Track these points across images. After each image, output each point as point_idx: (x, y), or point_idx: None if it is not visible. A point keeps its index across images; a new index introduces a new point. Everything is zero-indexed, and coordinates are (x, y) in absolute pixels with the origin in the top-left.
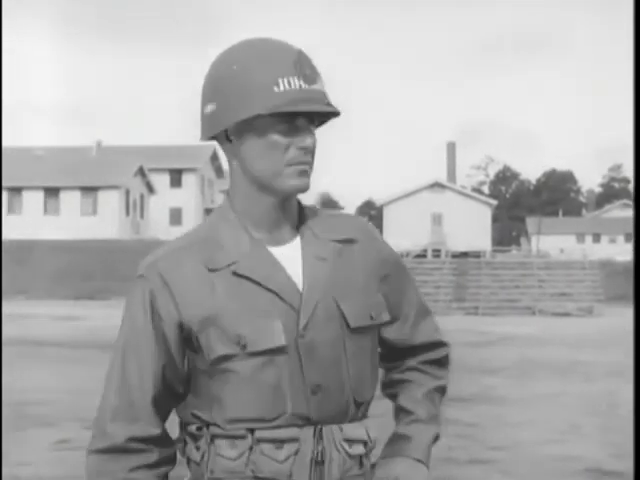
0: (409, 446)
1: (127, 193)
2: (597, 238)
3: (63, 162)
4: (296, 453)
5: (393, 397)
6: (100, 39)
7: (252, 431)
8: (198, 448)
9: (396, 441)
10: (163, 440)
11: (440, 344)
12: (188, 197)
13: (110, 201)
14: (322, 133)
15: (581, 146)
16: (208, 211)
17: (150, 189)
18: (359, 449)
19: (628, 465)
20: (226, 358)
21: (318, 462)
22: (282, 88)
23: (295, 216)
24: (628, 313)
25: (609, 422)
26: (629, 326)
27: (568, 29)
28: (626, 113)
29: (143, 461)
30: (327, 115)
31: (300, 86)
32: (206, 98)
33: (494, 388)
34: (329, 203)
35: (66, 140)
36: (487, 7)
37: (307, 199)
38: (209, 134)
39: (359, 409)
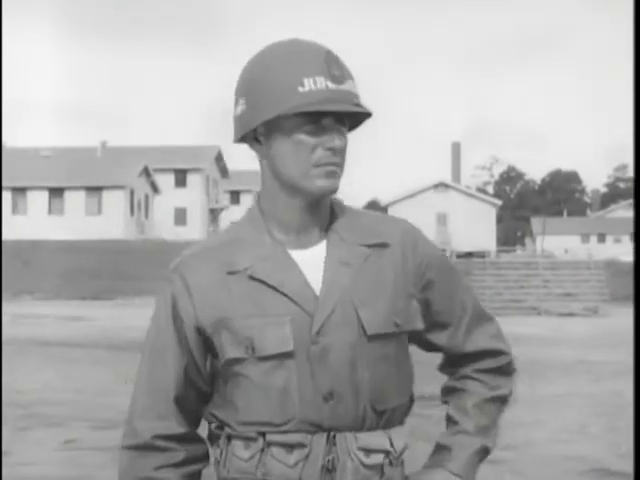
0: (448, 457)
1: (132, 193)
2: (602, 238)
3: (68, 162)
4: (306, 458)
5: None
6: (101, 38)
7: (263, 434)
8: (218, 446)
9: (437, 452)
10: (190, 438)
11: (499, 352)
12: (193, 197)
13: (115, 201)
14: None
15: (586, 146)
16: (213, 211)
17: (155, 189)
18: (378, 458)
19: (632, 465)
20: (236, 361)
21: (329, 469)
22: (307, 88)
23: (325, 219)
24: (633, 313)
25: (616, 422)
26: (634, 326)
27: (575, 29)
28: (633, 113)
29: (168, 460)
30: (359, 117)
31: (327, 86)
32: (236, 100)
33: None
34: None
35: (68, 139)
36: (494, 7)
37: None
38: (238, 135)
39: (381, 417)
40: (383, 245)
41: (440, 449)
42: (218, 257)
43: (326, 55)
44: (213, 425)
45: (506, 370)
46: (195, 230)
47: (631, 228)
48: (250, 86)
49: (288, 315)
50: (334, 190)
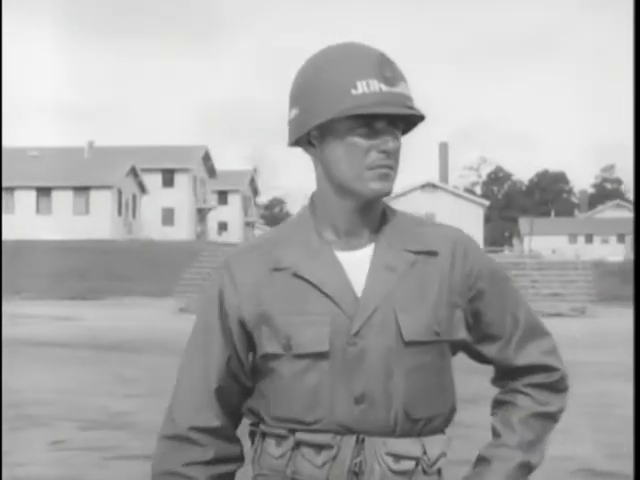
0: (487, 470)
1: (119, 193)
2: (589, 238)
3: (55, 162)
4: (334, 460)
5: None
6: (95, 38)
7: (294, 432)
8: (253, 443)
9: (478, 463)
10: (226, 435)
11: (551, 368)
12: (180, 197)
13: (102, 201)
14: None
15: (574, 147)
16: (200, 211)
17: (142, 189)
18: (408, 465)
19: (621, 466)
20: (272, 357)
21: (356, 473)
22: (360, 91)
23: (376, 222)
24: (621, 314)
25: (603, 423)
26: (622, 327)
27: (564, 31)
28: (620, 113)
29: (199, 456)
30: (413, 119)
31: (380, 89)
32: (290, 103)
33: (492, 389)
34: None
35: (66, 140)
36: (484, 8)
37: (300, 198)
38: (292, 139)
39: (415, 425)
40: (431, 253)
41: (480, 461)
42: (265, 254)
43: (379, 58)
44: (250, 422)
45: (557, 387)
46: (183, 230)
47: (618, 229)
48: (303, 90)
49: (328, 315)
50: (387, 193)
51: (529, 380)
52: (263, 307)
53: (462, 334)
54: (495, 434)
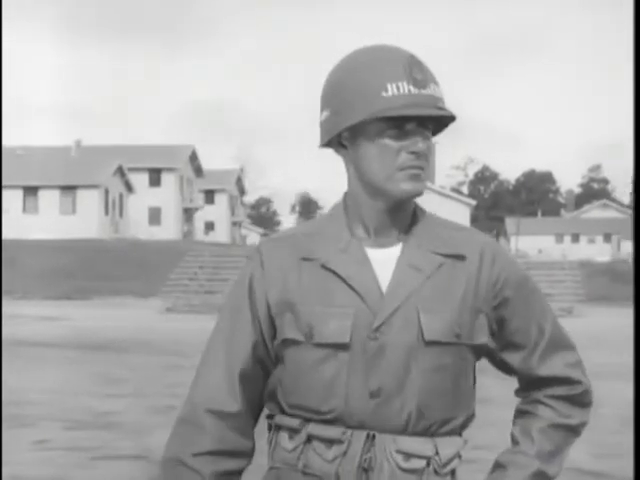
0: (502, 476)
1: (106, 192)
2: (576, 238)
3: (42, 161)
4: (344, 455)
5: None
6: (85, 39)
7: (306, 425)
8: (269, 436)
9: (493, 469)
10: (240, 424)
11: (574, 381)
12: (167, 196)
13: (89, 200)
14: (304, 133)
15: (561, 146)
16: (187, 211)
17: (129, 188)
18: (418, 464)
19: (607, 465)
20: (293, 343)
21: (366, 469)
22: (390, 93)
23: (406, 222)
24: (608, 314)
25: (590, 422)
26: (610, 327)
27: (554, 30)
28: (607, 113)
29: (209, 446)
30: (444, 120)
31: (409, 91)
32: (322, 105)
33: (478, 388)
34: (308, 203)
35: (53, 139)
36: (474, 7)
37: (287, 198)
38: (324, 140)
39: (429, 425)
40: (459, 257)
41: (496, 467)
42: (296, 244)
43: (409, 60)
44: (267, 414)
45: (580, 400)
46: (169, 229)
47: (605, 228)
48: (334, 92)
49: (352, 308)
50: (419, 193)
51: (551, 392)
52: (289, 294)
53: (483, 339)
54: (514, 442)
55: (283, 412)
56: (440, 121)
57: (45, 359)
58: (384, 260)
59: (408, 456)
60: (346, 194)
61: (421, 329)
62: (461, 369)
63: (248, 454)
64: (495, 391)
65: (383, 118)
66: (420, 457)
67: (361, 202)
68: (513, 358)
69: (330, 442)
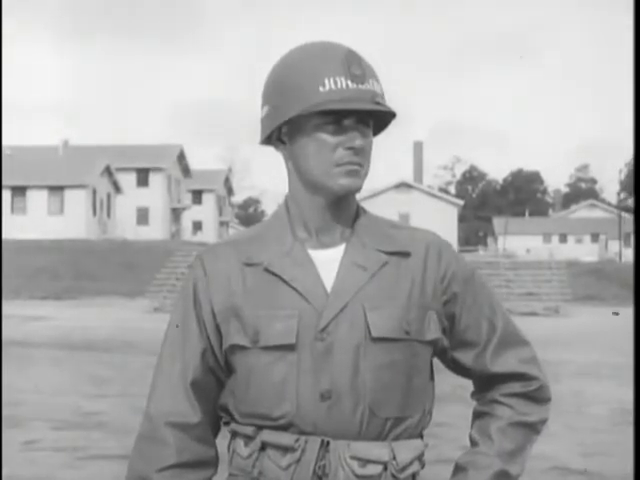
0: (463, 478)
1: (94, 192)
2: (564, 238)
3: (29, 161)
4: (298, 462)
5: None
6: (73, 37)
7: (260, 432)
8: (228, 441)
9: (454, 472)
10: (201, 434)
11: (529, 377)
12: (155, 196)
13: (77, 200)
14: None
15: (548, 146)
16: (175, 211)
17: (117, 188)
18: (373, 469)
19: (595, 464)
20: (240, 349)
21: (320, 476)
22: (327, 88)
23: (348, 221)
24: (595, 313)
25: (576, 421)
26: (596, 326)
27: (545, 31)
28: (594, 113)
29: (173, 459)
30: (386, 117)
31: (347, 85)
32: (262, 102)
33: (464, 387)
34: None
35: (40, 138)
36: (465, 7)
37: (275, 198)
38: (263, 136)
39: (383, 427)
40: (403, 254)
41: (457, 470)
42: (239, 249)
43: (347, 55)
44: (223, 421)
45: (536, 396)
46: (157, 230)
47: (592, 228)
48: (273, 88)
49: (296, 309)
50: (355, 189)
51: (507, 389)
52: (233, 300)
53: (434, 335)
54: (473, 444)
55: (235, 420)
56: (381, 118)
57: (32, 359)
58: (328, 260)
59: (363, 462)
60: (287, 196)
61: (368, 326)
62: (413, 366)
63: (213, 463)
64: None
65: (321, 113)
66: (376, 462)
67: (301, 200)
68: (466, 356)
69: (284, 449)
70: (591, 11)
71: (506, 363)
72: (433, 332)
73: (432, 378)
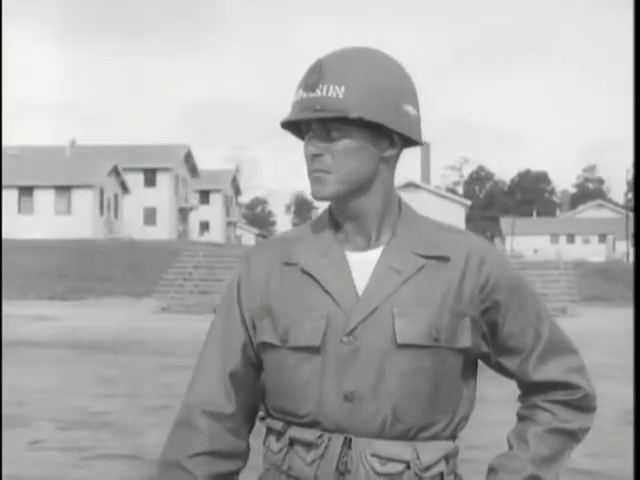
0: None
1: (101, 192)
2: (571, 238)
3: (36, 161)
4: (322, 458)
5: None
6: (81, 38)
7: (288, 428)
8: (264, 436)
9: (487, 474)
10: (234, 425)
11: (573, 386)
12: (162, 196)
13: (84, 200)
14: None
15: (556, 146)
16: (182, 211)
17: (124, 188)
18: (394, 468)
19: (602, 465)
20: (269, 347)
21: (342, 472)
22: (294, 100)
23: (387, 224)
24: (603, 314)
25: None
26: (604, 327)
27: (543, 32)
28: (602, 114)
29: (204, 447)
30: (356, 120)
31: (300, 96)
32: None
33: (491, 388)
34: (303, 203)
35: (47, 138)
36: (477, 8)
37: (282, 198)
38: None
39: (408, 429)
40: (442, 258)
41: (489, 472)
42: (282, 248)
43: (314, 64)
44: (258, 416)
45: (579, 405)
46: (164, 230)
47: (600, 229)
48: None
49: (326, 311)
50: (322, 196)
51: (550, 397)
52: (269, 298)
53: (467, 343)
54: (509, 447)
55: (270, 415)
56: (343, 121)
57: (39, 359)
58: (364, 263)
59: (384, 460)
60: None
61: (394, 332)
62: (441, 373)
63: (242, 456)
64: (488, 391)
65: (302, 125)
66: (397, 461)
67: (330, 206)
68: (510, 363)
69: (309, 445)
70: (606, 11)
71: (550, 371)
72: (466, 339)
73: (470, 383)
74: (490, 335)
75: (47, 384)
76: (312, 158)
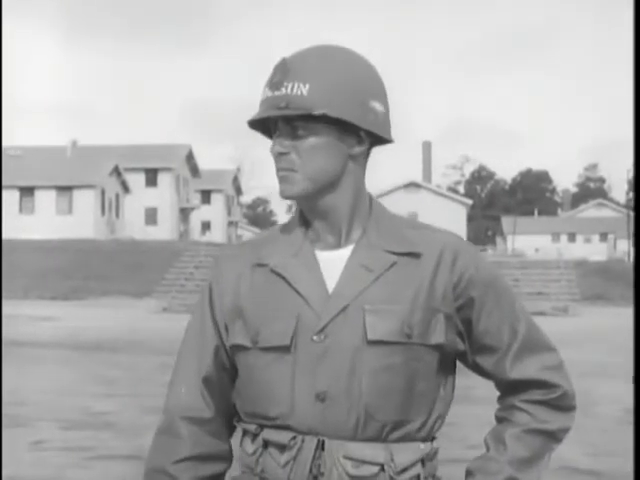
0: None
1: (102, 192)
2: (572, 238)
3: (38, 161)
4: (294, 460)
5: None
6: (84, 38)
7: (261, 429)
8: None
9: (465, 477)
10: (215, 429)
11: (551, 385)
12: (163, 196)
13: (85, 200)
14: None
15: (558, 146)
16: (183, 211)
17: (125, 188)
18: (368, 470)
19: (603, 464)
20: (241, 349)
21: (315, 476)
22: (260, 100)
23: (358, 222)
24: (604, 313)
25: (585, 421)
26: (605, 325)
27: (544, 31)
28: (603, 113)
29: (188, 452)
30: (322, 117)
31: (266, 95)
32: None
33: (473, 388)
34: None
35: (48, 139)
36: (479, 8)
37: (281, 199)
38: None
39: (382, 429)
40: (414, 255)
41: (467, 475)
42: (253, 251)
43: (279, 62)
44: (235, 418)
45: (558, 404)
46: (166, 230)
47: (601, 228)
48: None
49: (296, 311)
50: (287, 195)
51: (527, 396)
52: (240, 300)
53: (440, 339)
54: (486, 449)
55: (241, 419)
56: (310, 119)
57: (40, 359)
58: (335, 261)
59: (357, 462)
60: None
61: (365, 329)
62: (415, 370)
63: (226, 458)
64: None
65: (270, 124)
66: (371, 463)
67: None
68: (486, 361)
69: (282, 447)
70: (606, 10)
71: (526, 369)
72: (440, 335)
73: (447, 382)
74: (466, 333)
75: (48, 384)
76: (279, 157)
